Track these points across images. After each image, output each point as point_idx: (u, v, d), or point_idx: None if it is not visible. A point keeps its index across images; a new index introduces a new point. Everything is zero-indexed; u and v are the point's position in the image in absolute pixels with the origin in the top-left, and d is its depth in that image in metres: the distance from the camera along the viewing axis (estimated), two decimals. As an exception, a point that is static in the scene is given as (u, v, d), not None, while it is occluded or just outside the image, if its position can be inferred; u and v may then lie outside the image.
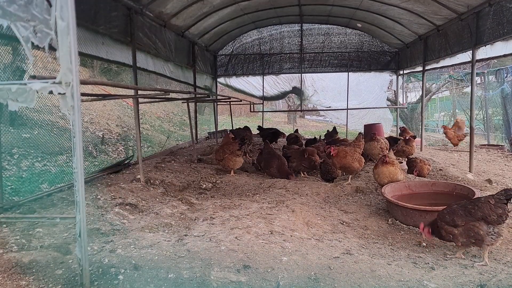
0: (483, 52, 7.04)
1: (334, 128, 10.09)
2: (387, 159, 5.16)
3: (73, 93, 2.46)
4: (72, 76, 2.45)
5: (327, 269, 2.88)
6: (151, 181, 5.41)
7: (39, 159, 7.08)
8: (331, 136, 9.37)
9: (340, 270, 2.88)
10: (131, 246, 3.20)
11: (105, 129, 10.98)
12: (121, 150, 9.96)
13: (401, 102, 14.20)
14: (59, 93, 2.46)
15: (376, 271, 2.91)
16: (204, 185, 5.71)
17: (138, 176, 5.41)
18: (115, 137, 10.80)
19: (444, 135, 10.26)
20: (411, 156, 7.20)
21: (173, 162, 7.03)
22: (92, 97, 4.66)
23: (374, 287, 2.70)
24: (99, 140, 9.85)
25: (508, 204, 3.36)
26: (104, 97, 5.53)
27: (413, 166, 6.23)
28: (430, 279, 2.91)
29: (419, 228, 3.74)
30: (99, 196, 4.48)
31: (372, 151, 7.01)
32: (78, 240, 2.60)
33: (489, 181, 6.09)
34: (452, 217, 3.46)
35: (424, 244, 3.84)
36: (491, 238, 3.33)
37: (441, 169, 6.99)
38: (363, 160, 6.01)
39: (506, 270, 3.26)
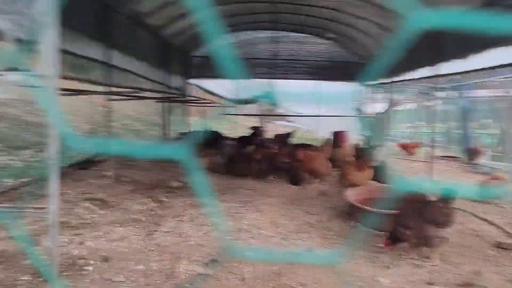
0: (446, 67, 7.50)
1: (290, 132, 9.95)
2: (354, 165, 5.42)
3: (52, 86, 2.53)
4: (52, 69, 2.52)
5: (290, 264, 3.06)
6: (121, 178, 5.44)
7: (5, 153, 6.94)
8: (283, 139, 9.08)
9: (303, 266, 3.06)
10: (101, 239, 3.27)
11: (74, 125, 10.80)
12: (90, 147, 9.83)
13: (369, 112, 14.70)
14: (39, 86, 2.53)
15: (335, 268, 3.11)
16: (174, 184, 5.79)
17: (108, 173, 5.43)
18: (84, 134, 10.65)
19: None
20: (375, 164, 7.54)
21: (143, 160, 7.06)
22: (71, 92, 4.67)
23: (333, 281, 2.89)
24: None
25: (450, 205, 3.65)
26: (81, 92, 5.52)
27: (377, 173, 6.54)
28: (384, 276, 3.13)
29: (381, 236, 3.96)
30: (68, 191, 4.49)
31: (339, 157, 7.29)
32: (51, 230, 2.66)
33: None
34: (405, 220, 3.72)
35: (382, 245, 4.08)
36: (439, 240, 3.61)
37: (402, 178, 7.37)
38: (330, 165, 6.26)
39: (454, 270, 3.54)
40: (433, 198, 4.35)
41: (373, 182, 6.30)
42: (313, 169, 5.94)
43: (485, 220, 5.07)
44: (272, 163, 6.61)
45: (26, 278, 2.73)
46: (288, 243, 3.66)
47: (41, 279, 2.71)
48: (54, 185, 2.61)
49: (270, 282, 2.80)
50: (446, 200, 3.67)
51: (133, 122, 14.59)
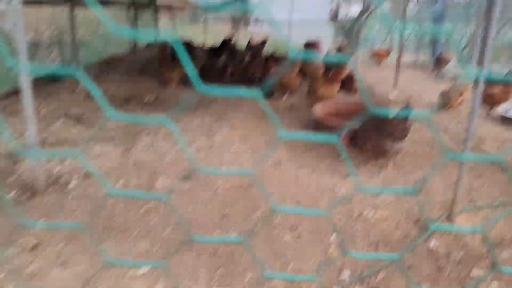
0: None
1: (263, 41, 9.82)
2: (323, 79, 5.59)
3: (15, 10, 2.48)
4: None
5: (259, 178, 3.38)
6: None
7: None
8: (256, 49, 9.01)
9: (270, 179, 3.39)
10: (80, 157, 3.45)
11: (34, 32, 10.23)
12: (56, 57, 9.49)
13: (342, 17, 14.44)
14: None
15: (299, 179, 3.47)
16: (147, 98, 5.86)
17: (79, 87, 5.42)
18: (47, 42, 10.16)
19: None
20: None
21: (113, 73, 6.98)
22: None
23: (296, 191, 3.25)
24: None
25: (407, 121, 3.99)
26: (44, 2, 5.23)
27: (345, 84, 6.75)
28: (342, 185, 3.52)
29: (340, 138, 4.30)
30: (40, 107, 4.53)
31: (309, 69, 7.40)
32: (31, 151, 2.81)
33: (408, 98, 6.89)
34: (365, 134, 4.05)
35: (342, 156, 4.46)
36: (394, 151, 3.99)
37: (369, 87, 7.66)
38: (300, 78, 6.41)
39: (405, 177, 3.98)
40: (391, 115, 4.66)
41: (341, 95, 6.55)
42: (283, 82, 6.08)
43: (439, 129, 5.50)
44: (244, 75, 6.69)
45: (13, 193, 2.94)
46: (259, 157, 3.96)
47: (28, 195, 2.93)
48: (28, 103, 2.70)
49: (240, 194, 3.13)
50: (403, 117, 3.99)
51: (98, 28, 13.86)
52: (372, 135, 4.05)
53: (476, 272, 2.56)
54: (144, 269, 2.32)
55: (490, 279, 2.48)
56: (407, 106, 3.97)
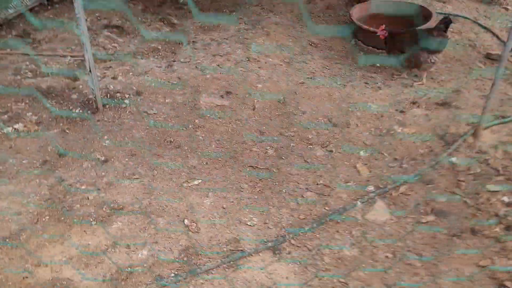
0: None
1: None
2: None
3: None
4: None
5: (293, 94, 3.59)
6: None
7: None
8: None
9: (304, 95, 3.59)
10: (130, 73, 3.74)
11: None
12: None
13: None
14: None
15: (332, 95, 3.65)
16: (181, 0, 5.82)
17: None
18: None
19: None
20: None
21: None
22: None
23: (329, 108, 3.48)
24: None
25: (447, 31, 3.92)
26: None
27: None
28: (374, 100, 3.68)
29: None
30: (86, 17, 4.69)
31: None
32: (89, 75, 3.11)
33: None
34: (401, 45, 4.04)
35: (378, 65, 4.51)
36: (429, 64, 4.01)
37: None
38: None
39: (437, 89, 4.07)
40: (430, 25, 4.52)
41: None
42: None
43: (484, 27, 5.26)
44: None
45: (77, 110, 3.34)
46: (292, 69, 4.10)
47: (91, 111, 3.32)
48: (85, 36, 2.92)
49: (276, 111, 3.40)
50: (443, 27, 3.91)
51: None
52: (408, 44, 4.03)
53: (491, 187, 2.84)
54: (197, 181, 2.75)
55: (502, 194, 2.77)
56: (447, 19, 3.86)
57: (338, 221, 2.54)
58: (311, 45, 4.83)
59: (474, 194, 2.78)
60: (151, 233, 2.37)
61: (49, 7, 5.04)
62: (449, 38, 3.99)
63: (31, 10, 4.83)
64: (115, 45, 4.30)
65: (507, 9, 5.98)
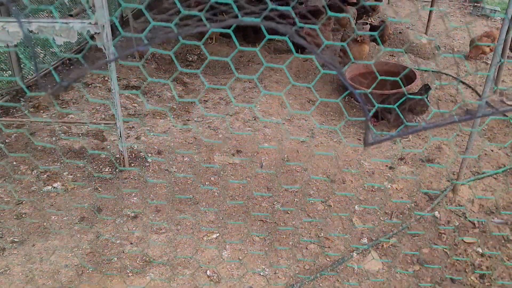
0: None
1: None
2: (360, 39, 5.94)
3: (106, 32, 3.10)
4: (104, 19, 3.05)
5: (296, 152, 4.09)
6: (143, 55, 6.06)
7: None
8: None
9: (305, 153, 4.09)
10: (151, 134, 4.22)
11: None
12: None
13: None
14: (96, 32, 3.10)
15: (330, 151, 4.16)
16: (190, 58, 6.42)
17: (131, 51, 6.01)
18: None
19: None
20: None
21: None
22: None
23: (327, 165, 3.97)
24: None
25: (428, 97, 4.50)
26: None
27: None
28: (366, 158, 4.19)
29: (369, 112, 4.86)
30: (106, 77, 5.22)
31: (342, 21, 7.63)
32: (120, 139, 3.59)
33: (438, 47, 7.13)
34: (388, 108, 4.60)
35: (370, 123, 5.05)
36: (414, 123, 4.56)
37: (400, 32, 7.87)
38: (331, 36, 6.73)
39: (423, 144, 4.60)
40: (413, 90, 5.11)
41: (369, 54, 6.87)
42: (317, 43, 6.46)
43: (464, 83, 5.88)
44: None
45: (107, 169, 3.79)
46: (294, 127, 4.62)
47: (118, 170, 3.77)
48: (117, 106, 3.42)
49: (281, 168, 3.88)
50: (423, 92, 4.49)
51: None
52: (394, 110, 4.59)
53: (468, 239, 3.31)
54: (216, 234, 3.19)
55: (477, 245, 3.23)
56: (427, 86, 4.44)
57: (337, 271, 2.97)
58: (309, 102, 5.39)
59: (453, 245, 3.24)
60: (179, 283, 2.78)
61: (71, 67, 5.58)
62: (429, 102, 4.56)
63: (55, 69, 5.37)
64: (135, 105, 4.81)
65: (487, 63, 6.65)
